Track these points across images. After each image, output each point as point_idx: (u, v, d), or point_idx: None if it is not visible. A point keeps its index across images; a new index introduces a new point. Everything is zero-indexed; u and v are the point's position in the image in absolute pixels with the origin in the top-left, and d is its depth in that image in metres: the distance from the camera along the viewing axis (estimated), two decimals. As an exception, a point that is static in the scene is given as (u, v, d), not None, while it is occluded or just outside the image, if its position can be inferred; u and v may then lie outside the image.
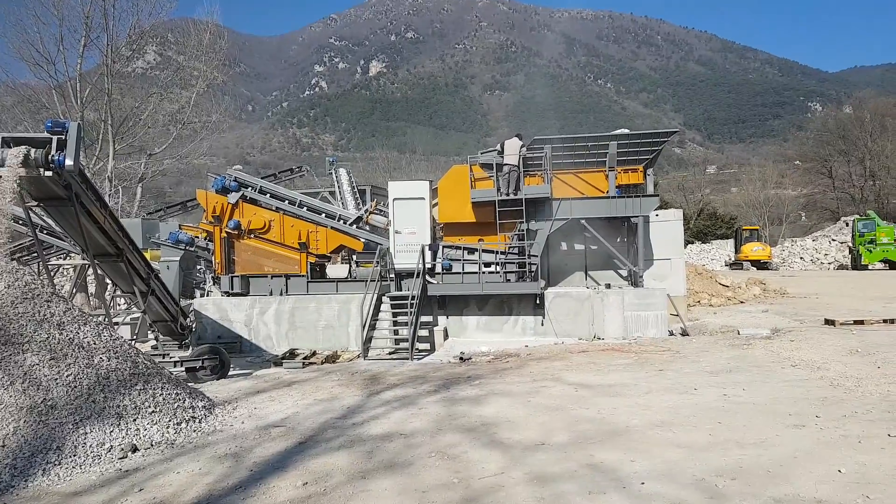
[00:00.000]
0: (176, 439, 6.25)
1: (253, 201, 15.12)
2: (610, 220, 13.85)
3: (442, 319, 13.70)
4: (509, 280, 13.54)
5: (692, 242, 48.45)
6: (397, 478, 5.02)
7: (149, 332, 12.64)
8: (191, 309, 13.88)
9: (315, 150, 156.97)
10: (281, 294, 14.53)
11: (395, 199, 14.32)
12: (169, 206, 29.16)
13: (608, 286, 13.65)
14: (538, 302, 13.16)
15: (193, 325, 12.78)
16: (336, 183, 27.42)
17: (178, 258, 17.92)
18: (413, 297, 12.28)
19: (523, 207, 13.31)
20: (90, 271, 18.53)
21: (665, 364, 9.30)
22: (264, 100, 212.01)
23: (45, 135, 7.38)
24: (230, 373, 10.82)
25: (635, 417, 6.39)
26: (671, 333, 13.22)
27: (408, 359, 11.64)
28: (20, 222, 13.44)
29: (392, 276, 14.04)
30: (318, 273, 15.28)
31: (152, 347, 11.90)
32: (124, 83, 27.29)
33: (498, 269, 13.77)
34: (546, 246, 13.88)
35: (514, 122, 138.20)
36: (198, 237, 18.38)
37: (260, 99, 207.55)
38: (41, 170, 7.24)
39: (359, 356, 12.30)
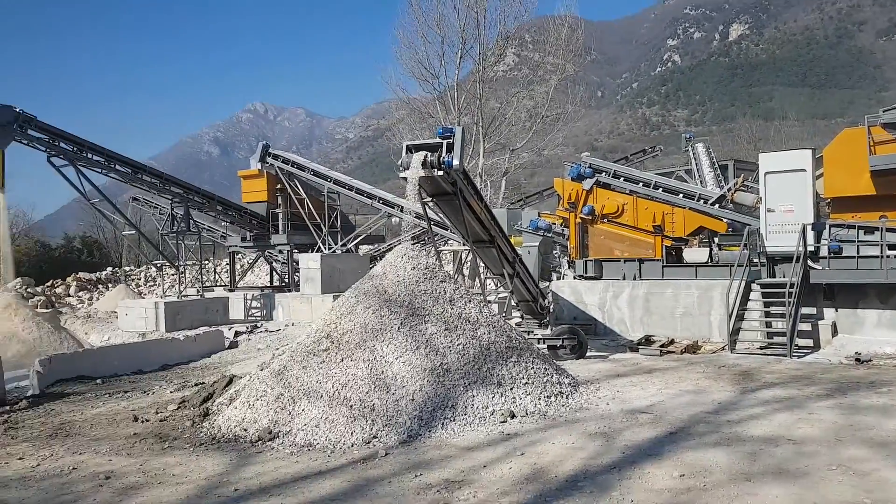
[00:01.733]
0: (547, 411, 6.70)
1: (606, 186, 15.26)
2: None
3: (829, 312, 11.65)
4: (929, 266, 10.63)
5: None
6: (790, 486, 4.47)
7: (514, 310, 13.96)
8: (548, 291, 14.79)
9: (665, 128, 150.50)
10: (634, 278, 14.32)
11: (766, 173, 12.62)
12: (528, 196, 31.71)
13: None
14: (979, 295, 10.01)
15: (551, 306, 13.59)
16: (693, 160, 25.68)
17: (537, 243, 19.31)
18: (791, 285, 10.69)
19: (953, 173, 10.25)
20: (465, 256, 21.41)
21: None
22: (613, 83, 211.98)
23: (436, 140, 8.71)
24: (586, 354, 11.16)
25: None
26: None
27: (785, 355, 10.27)
28: (415, 215, 16.27)
29: (762, 260, 12.49)
30: (673, 257, 14.61)
31: (517, 325, 13.09)
32: (490, 87, 30.33)
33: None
34: None
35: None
36: (554, 224, 19.49)
37: (609, 83, 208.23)
38: (435, 170, 8.56)
39: (723, 348, 11.41)
